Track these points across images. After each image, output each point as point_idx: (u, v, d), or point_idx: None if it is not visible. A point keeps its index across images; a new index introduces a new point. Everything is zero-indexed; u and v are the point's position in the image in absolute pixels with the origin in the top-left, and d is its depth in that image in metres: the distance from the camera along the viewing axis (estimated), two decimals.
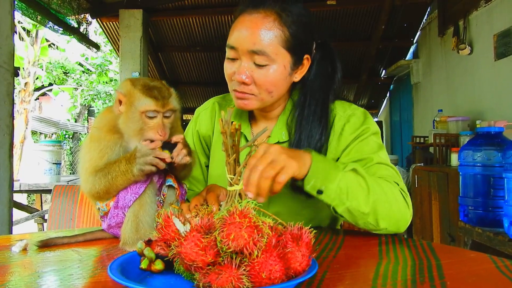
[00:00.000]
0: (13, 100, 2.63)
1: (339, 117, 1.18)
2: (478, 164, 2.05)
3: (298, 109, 1.18)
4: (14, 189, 2.98)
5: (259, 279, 0.58)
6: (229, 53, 1.11)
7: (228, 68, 1.12)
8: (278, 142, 1.19)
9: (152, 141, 0.94)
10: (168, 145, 0.95)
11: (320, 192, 0.96)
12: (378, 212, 1.00)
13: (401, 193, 1.07)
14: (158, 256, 0.70)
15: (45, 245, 0.97)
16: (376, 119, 8.20)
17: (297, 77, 1.16)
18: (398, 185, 1.08)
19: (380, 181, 1.04)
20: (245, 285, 0.57)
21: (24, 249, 0.93)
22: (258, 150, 0.88)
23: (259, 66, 1.07)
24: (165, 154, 0.92)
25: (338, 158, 1.17)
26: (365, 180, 0.99)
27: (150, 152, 0.91)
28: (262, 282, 0.58)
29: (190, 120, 1.41)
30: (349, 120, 1.17)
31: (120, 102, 0.97)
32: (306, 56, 1.15)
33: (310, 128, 1.15)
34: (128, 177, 0.92)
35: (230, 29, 1.11)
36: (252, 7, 1.08)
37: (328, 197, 0.97)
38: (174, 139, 0.96)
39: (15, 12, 2.73)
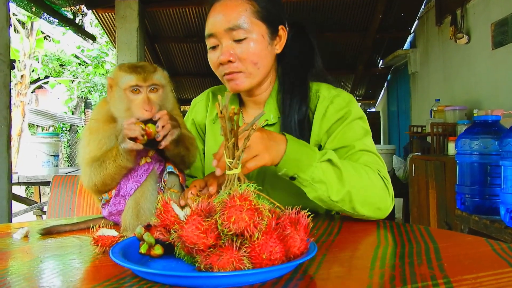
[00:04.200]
0: (9, 91, 2.62)
1: (323, 98, 1.20)
2: (475, 153, 2.06)
3: (281, 88, 1.22)
4: (12, 182, 2.98)
5: (259, 260, 0.59)
6: (209, 42, 1.15)
7: (213, 57, 1.16)
8: (266, 125, 1.21)
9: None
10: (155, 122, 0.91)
11: (292, 178, 1.00)
12: (353, 200, 1.02)
13: (382, 180, 1.09)
14: (157, 241, 0.71)
15: (48, 232, 0.97)
16: (373, 109, 8.21)
17: (278, 49, 1.21)
18: (380, 172, 1.09)
19: (358, 168, 1.05)
20: (246, 266, 0.58)
21: (26, 236, 0.94)
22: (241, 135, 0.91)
23: (239, 41, 1.11)
24: (136, 127, 0.88)
25: (322, 145, 1.18)
26: (340, 170, 1.00)
27: (125, 126, 0.89)
28: (262, 263, 0.59)
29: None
30: (333, 101, 1.19)
31: (111, 87, 0.97)
32: (280, 26, 1.19)
33: (290, 102, 1.18)
34: (119, 162, 0.91)
35: (206, 23, 1.16)
36: None
37: (300, 183, 1.01)
38: (158, 115, 0.91)
39: (10, 4, 2.71)
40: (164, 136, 0.91)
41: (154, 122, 0.91)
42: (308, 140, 1.18)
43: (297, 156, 0.97)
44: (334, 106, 1.18)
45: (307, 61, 1.26)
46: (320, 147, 1.20)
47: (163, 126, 0.91)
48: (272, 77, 1.24)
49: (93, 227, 0.79)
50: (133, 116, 0.92)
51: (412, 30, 6.01)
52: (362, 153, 1.12)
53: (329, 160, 1.00)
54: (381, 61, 6.94)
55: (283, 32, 1.20)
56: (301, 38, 1.26)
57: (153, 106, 0.93)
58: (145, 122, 0.90)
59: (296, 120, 1.17)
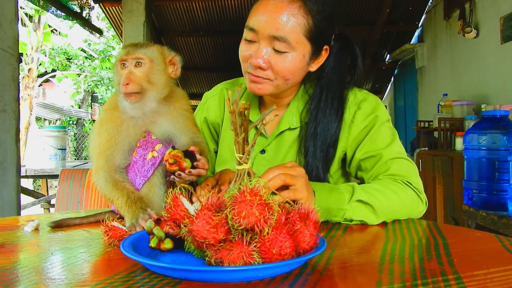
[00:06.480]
0: (18, 85, 2.63)
1: (350, 103, 1.17)
2: (483, 148, 2.04)
3: (314, 101, 1.17)
4: (20, 174, 3.00)
5: (269, 255, 0.59)
6: (247, 34, 1.08)
7: (244, 49, 1.10)
8: (288, 129, 1.18)
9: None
10: (189, 154, 0.90)
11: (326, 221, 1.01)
12: (387, 221, 1.04)
13: (413, 190, 1.08)
14: (167, 235, 0.71)
15: (58, 225, 0.98)
16: None
17: (314, 67, 1.15)
18: (411, 184, 1.08)
19: (388, 193, 1.03)
20: (256, 260, 0.58)
21: (36, 229, 0.95)
22: (290, 162, 0.93)
23: (278, 52, 1.05)
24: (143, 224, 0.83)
25: (348, 152, 1.17)
26: (371, 206, 1.00)
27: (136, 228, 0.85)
28: (272, 258, 0.59)
29: (196, 104, 1.39)
30: (360, 106, 1.16)
31: None
32: (325, 47, 1.14)
33: (326, 121, 1.14)
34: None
35: (252, 10, 1.09)
36: None
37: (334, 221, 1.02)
38: (192, 148, 0.91)
39: None
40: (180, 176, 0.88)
41: (192, 158, 0.89)
42: (334, 155, 1.16)
43: (326, 204, 0.97)
44: (362, 112, 1.16)
45: (350, 73, 1.21)
46: (345, 154, 1.19)
47: (190, 172, 0.88)
48: (298, 83, 1.19)
49: (105, 219, 0.80)
50: (120, 90, 0.93)
51: (419, 24, 5.97)
52: (392, 162, 1.11)
53: (359, 200, 1.00)
54: (388, 55, 6.90)
55: (325, 52, 1.14)
56: (344, 52, 1.20)
57: (132, 81, 0.92)
58: (186, 153, 0.88)
59: (327, 143, 1.14)
